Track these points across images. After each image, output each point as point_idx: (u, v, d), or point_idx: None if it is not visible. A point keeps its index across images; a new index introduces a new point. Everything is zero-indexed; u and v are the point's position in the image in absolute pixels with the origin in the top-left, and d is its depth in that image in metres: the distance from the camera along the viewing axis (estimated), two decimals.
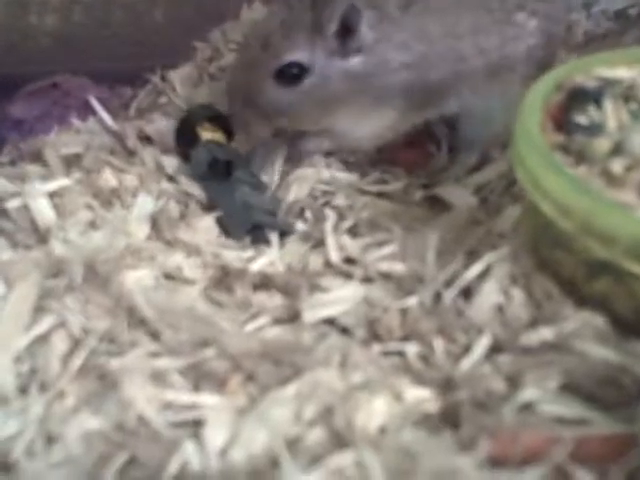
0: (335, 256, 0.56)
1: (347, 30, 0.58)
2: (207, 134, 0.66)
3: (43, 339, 0.50)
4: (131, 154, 0.68)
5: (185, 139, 0.67)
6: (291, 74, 0.59)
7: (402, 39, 0.60)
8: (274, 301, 0.53)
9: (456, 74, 0.62)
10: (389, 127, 0.63)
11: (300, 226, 0.61)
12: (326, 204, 0.63)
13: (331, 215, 0.60)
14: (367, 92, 0.61)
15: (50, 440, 0.45)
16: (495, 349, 0.47)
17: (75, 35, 0.94)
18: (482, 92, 0.64)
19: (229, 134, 0.66)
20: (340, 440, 0.42)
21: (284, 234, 0.59)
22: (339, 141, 0.64)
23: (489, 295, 0.49)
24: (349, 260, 0.56)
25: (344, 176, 0.66)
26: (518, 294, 0.49)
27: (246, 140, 0.66)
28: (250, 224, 0.59)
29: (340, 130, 0.63)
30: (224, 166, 0.63)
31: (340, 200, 0.63)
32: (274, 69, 0.59)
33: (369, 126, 0.62)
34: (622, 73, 0.56)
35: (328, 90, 0.60)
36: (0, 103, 0.82)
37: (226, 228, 0.60)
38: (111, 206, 0.62)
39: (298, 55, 0.58)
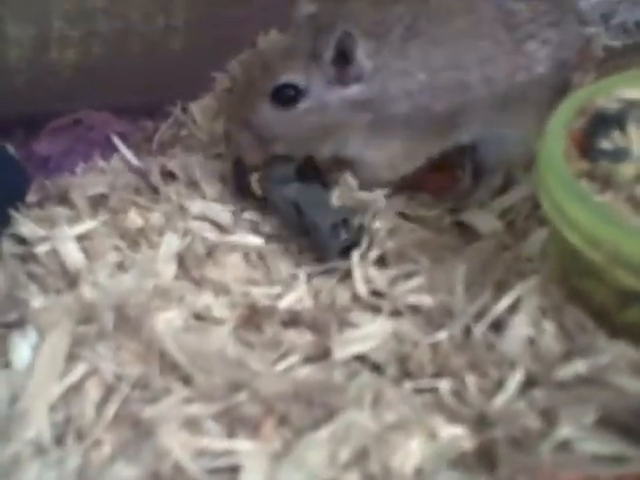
0: (362, 290, 0.56)
1: (345, 58, 0.59)
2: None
3: (77, 387, 0.50)
4: (156, 191, 0.68)
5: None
6: (286, 96, 0.59)
7: (403, 68, 0.60)
8: (304, 338, 0.53)
9: (462, 105, 0.61)
10: (401, 157, 0.63)
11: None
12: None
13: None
14: (369, 120, 0.61)
15: None
16: (529, 384, 0.46)
17: (95, 68, 0.94)
18: (494, 123, 0.63)
19: None
20: None
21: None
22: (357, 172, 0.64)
23: (520, 328, 0.49)
24: (377, 293, 0.56)
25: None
26: (549, 326, 0.48)
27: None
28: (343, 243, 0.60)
29: (351, 157, 0.63)
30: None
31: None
32: (270, 89, 0.59)
33: (377, 156, 0.62)
34: None
35: (325, 116, 0.60)
36: (25, 141, 0.82)
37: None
38: (138, 246, 0.62)
39: (293, 77, 0.59)
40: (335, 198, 0.63)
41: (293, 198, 0.61)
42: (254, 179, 0.64)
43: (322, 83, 0.59)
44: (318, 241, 0.60)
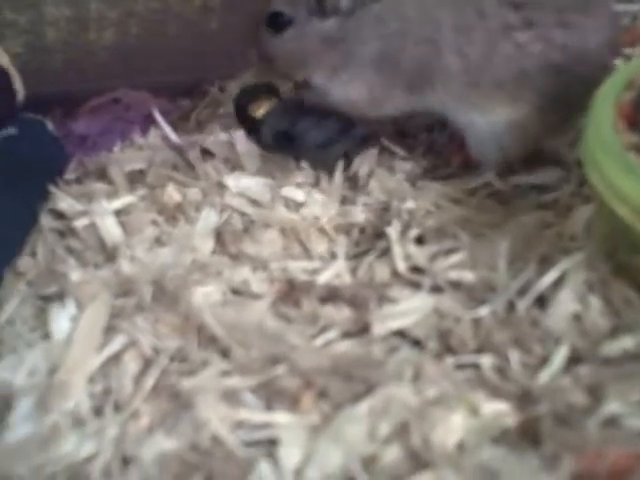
0: (402, 266, 0.56)
1: None
2: (260, 111, 0.69)
3: (115, 359, 0.50)
4: (193, 168, 0.68)
5: (248, 127, 0.70)
6: (276, 23, 0.63)
7: (378, 12, 0.61)
8: (342, 314, 0.53)
9: (431, 67, 0.60)
10: (366, 100, 0.63)
11: None
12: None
13: (396, 223, 0.59)
14: (339, 56, 0.62)
15: (126, 461, 0.45)
16: (574, 360, 0.45)
17: (133, 48, 0.94)
18: (462, 101, 0.61)
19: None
20: (418, 458, 0.41)
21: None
22: (325, 98, 0.65)
23: (565, 303, 0.48)
24: (416, 269, 0.56)
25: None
26: (596, 302, 0.47)
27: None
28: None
29: (320, 86, 0.65)
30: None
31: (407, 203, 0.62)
32: (265, 17, 0.64)
33: (343, 91, 0.64)
34: None
35: (304, 43, 0.63)
36: (64, 120, 0.82)
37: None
38: (176, 221, 0.62)
39: (280, 7, 0.63)
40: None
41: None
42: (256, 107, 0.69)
43: (305, 14, 0.63)
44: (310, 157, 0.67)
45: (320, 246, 0.60)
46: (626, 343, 0.44)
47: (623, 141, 0.49)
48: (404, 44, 0.60)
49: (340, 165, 0.66)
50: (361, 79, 0.63)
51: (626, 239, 0.47)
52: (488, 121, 0.62)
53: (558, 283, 0.49)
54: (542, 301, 0.49)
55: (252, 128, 0.69)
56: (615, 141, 0.48)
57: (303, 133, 0.66)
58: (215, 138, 0.70)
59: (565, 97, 0.60)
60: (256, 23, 0.65)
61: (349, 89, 0.64)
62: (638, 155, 0.48)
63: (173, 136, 0.71)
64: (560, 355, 0.45)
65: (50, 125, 0.72)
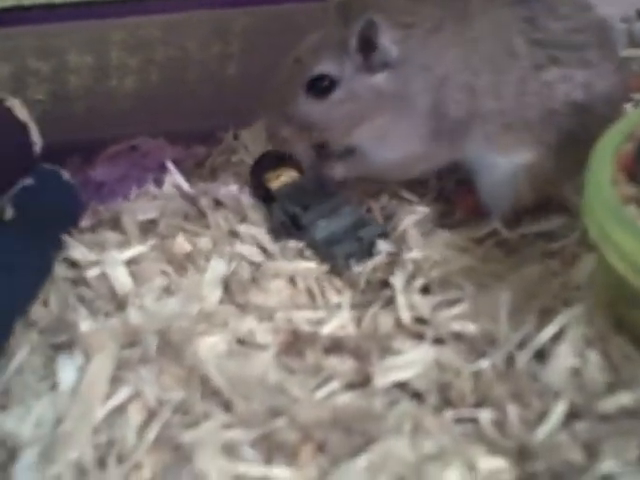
0: (406, 316, 0.56)
1: (370, 46, 0.59)
2: (276, 183, 0.67)
3: (120, 410, 0.51)
4: (205, 216, 0.69)
5: (261, 194, 0.69)
6: (321, 86, 0.60)
7: (425, 61, 0.60)
8: (345, 365, 0.53)
9: (472, 113, 0.60)
10: (415, 156, 0.62)
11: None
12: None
13: (400, 273, 0.60)
14: (392, 111, 0.61)
15: None
16: (571, 415, 0.45)
17: (152, 95, 0.96)
18: (491, 145, 0.61)
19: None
20: None
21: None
22: (365, 165, 0.64)
23: (564, 358, 0.48)
24: (420, 320, 0.56)
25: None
26: (594, 357, 0.47)
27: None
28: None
29: (365, 150, 0.63)
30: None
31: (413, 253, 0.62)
32: (305, 82, 0.60)
33: (393, 150, 0.62)
34: None
35: (355, 104, 0.60)
36: (82, 167, 0.84)
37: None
38: (185, 271, 0.63)
39: (326, 68, 0.60)
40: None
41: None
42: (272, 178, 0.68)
43: (352, 71, 0.60)
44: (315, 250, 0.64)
45: (326, 295, 0.61)
46: (623, 399, 0.44)
47: (622, 194, 0.49)
48: (450, 91, 0.59)
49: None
50: (415, 133, 0.61)
51: (624, 293, 0.47)
52: (511, 163, 0.62)
53: (557, 337, 0.49)
54: (542, 355, 0.49)
55: (265, 197, 0.68)
56: (613, 194, 0.48)
57: (310, 223, 0.64)
58: (226, 189, 0.71)
59: (586, 139, 0.58)
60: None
61: (401, 148, 0.62)
62: (638, 208, 0.49)
63: (185, 186, 0.73)
64: (558, 411, 0.45)
65: (66, 175, 0.73)
